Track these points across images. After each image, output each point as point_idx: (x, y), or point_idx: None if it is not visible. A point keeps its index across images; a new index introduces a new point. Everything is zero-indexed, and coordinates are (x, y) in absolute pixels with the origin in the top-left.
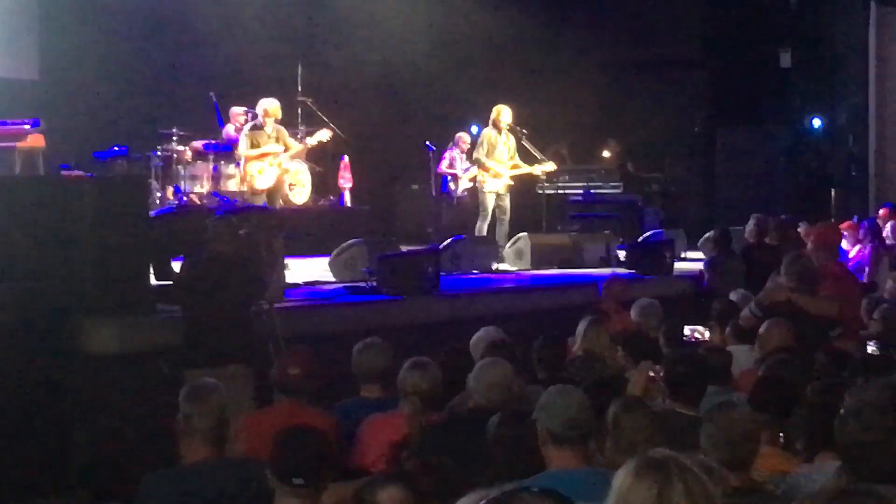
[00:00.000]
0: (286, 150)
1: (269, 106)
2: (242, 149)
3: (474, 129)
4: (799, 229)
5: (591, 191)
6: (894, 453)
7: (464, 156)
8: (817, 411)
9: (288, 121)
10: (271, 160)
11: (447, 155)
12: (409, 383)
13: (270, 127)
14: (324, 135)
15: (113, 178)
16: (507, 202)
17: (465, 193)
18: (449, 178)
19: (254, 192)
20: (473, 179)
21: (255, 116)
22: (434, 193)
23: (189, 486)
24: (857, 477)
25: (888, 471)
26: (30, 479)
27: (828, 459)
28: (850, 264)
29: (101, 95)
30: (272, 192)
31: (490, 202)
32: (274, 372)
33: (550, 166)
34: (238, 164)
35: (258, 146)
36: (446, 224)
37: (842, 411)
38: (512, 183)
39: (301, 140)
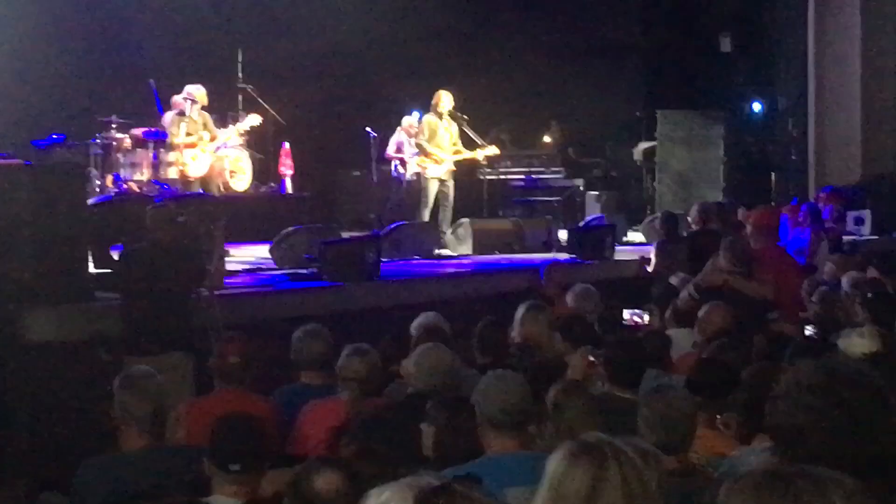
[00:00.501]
0: (212, 138)
1: (196, 92)
2: (177, 136)
3: (416, 114)
4: (738, 213)
5: (533, 176)
6: (824, 434)
7: (411, 140)
8: (753, 394)
9: (228, 107)
10: (203, 147)
11: (393, 140)
12: (348, 369)
13: (196, 113)
14: (254, 120)
15: (51, 166)
16: (450, 188)
17: (415, 177)
18: (397, 162)
19: (187, 180)
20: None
21: (194, 103)
22: (375, 180)
23: (126, 472)
24: (788, 458)
25: (818, 452)
26: None
27: (765, 441)
28: (789, 247)
29: (40, 83)
30: (206, 180)
31: (432, 188)
32: (213, 360)
33: (492, 150)
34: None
35: (189, 133)
36: (396, 208)
37: (773, 393)
38: (454, 168)
39: (227, 126)
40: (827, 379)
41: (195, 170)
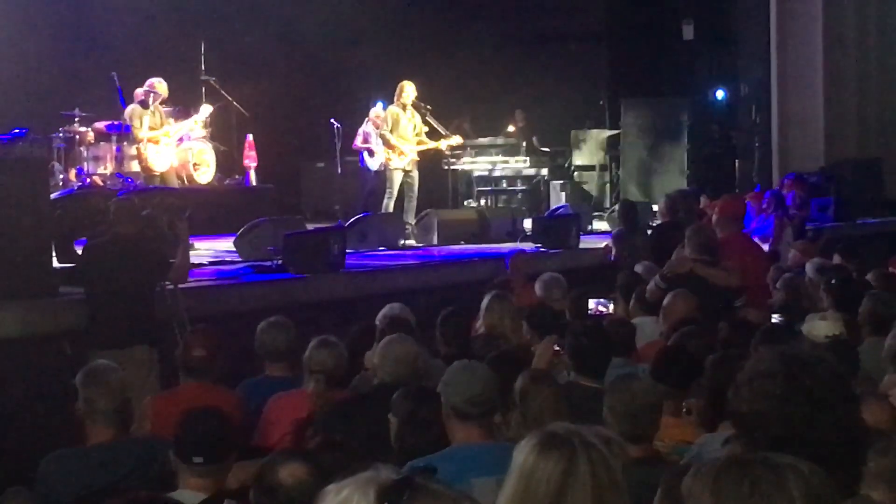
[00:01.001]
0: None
1: (158, 85)
2: (140, 130)
3: (380, 105)
4: (701, 201)
5: (497, 165)
6: (784, 421)
7: (378, 130)
8: (717, 381)
9: (191, 100)
10: (166, 140)
11: (361, 131)
12: (314, 361)
13: (152, 106)
14: (206, 110)
15: (13, 160)
16: (414, 178)
17: (383, 167)
18: (365, 153)
19: (151, 174)
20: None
21: (156, 97)
22: (340, 171)
23: (91, 466)
24: (750, 445)
25: (779, 438)
26: None
27: (729, 429)
28: (754, 234)
29: (1, 77)
30: (169, 173)
31: (397, 179)
32: (178, 353)
33: (456, 140)
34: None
35: (152, 127)
36: (369, 198)
37: (735, 381)
38: (418, 159)
39: (178, 119)
40: (787, 365)
41: (159, 163)
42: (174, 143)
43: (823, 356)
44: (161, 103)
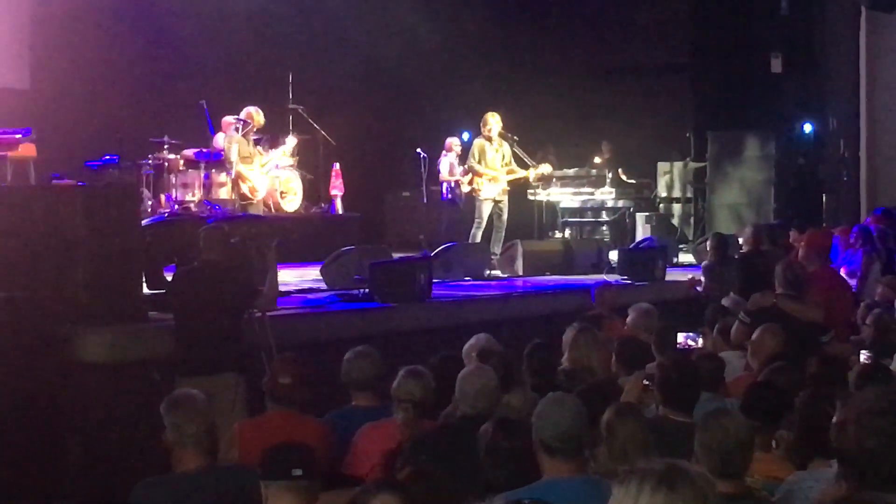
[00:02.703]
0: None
1: (256, 115)
2: (232, 157)
3: (465, 135)
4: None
5: (583, 197)
6: (894, 459)
7: (458, 159)
8: (809, 418)
9: (280, 129)
10: (258, 168)
11: (445, 161)
12: (403, 391)
13: (244, 134)
14: (291, 142)
15: (104, 186)
16: (503, 208)
17: (469, 198)
18: (452, 184)
19: (243, 200)
20: (472, 183)
21: (246, 125)
22: (425, 200)
23: (181, 493)
24: (858, 484)
25: (889, 477)
26: (22, 488)
27: (822, 466)
28: (842, 269)
29: (93, 104)
30: (256, 202)
31: (486, 209)
32: (265, 381)
33: (545, 168)
34: (229, 173)
35: (244, 155)
36: (450, 229)
37: (838, 418)
38: (508, 188)
39: (266, 148)
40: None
41: (253, 190)
42: (263, 173)
43: None
44: (254, 132)
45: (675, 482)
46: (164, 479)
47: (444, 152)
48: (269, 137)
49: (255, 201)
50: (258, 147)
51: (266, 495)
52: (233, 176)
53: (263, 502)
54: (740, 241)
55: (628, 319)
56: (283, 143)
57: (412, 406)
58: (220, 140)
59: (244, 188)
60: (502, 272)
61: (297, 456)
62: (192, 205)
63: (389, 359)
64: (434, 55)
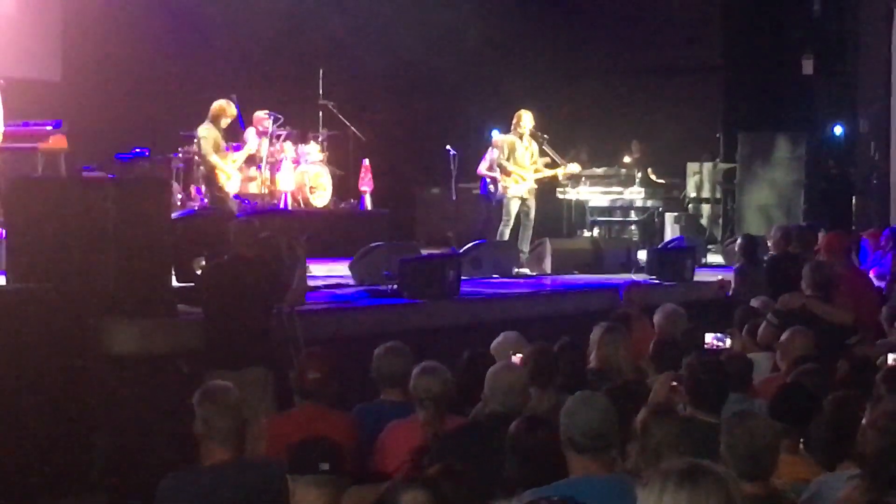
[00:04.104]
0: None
1: (226, 105)
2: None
3: (496, 133)
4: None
5: (612, 196)
6: None
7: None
8: (837, 420)
9: (309, 124)
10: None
11: (487, 157)
12: (420, 388)
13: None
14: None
15: (135, 179)
16: (531, 207)
17: (500, 195)
18: (489, 180)
19: (273, 194)
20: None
21: (276, 119)
22: (455, 197)
23: (208, 486)
24: (878, 486)
25: None
26: (50, 479)
27: (849, 468)
28: (871, 272)
29: (123, 97)
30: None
31: (514, 207)
32: (293, 375)
33: (574, 168)
34: (259, 167)
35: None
36: (487, 226)
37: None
38: (535, 187)
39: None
40: None
41: (281, 185)
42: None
43: None
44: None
45: (697, 480)
46: (191, 472)
47: (490, 148)
48: (297, 133)
49: (278, 195)
50: (287, 141)
51: (293, 490)
52: (205, 169)
53: (290, 497)
54: (769, 243)
55: (655, 320)
56: (245, 140)
57: (432, 403)
58: (250, 134)
59: (221, 179)
60: (531, 270)
61: (325, 450)
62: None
63: (417, 355)
64: (466, 52)
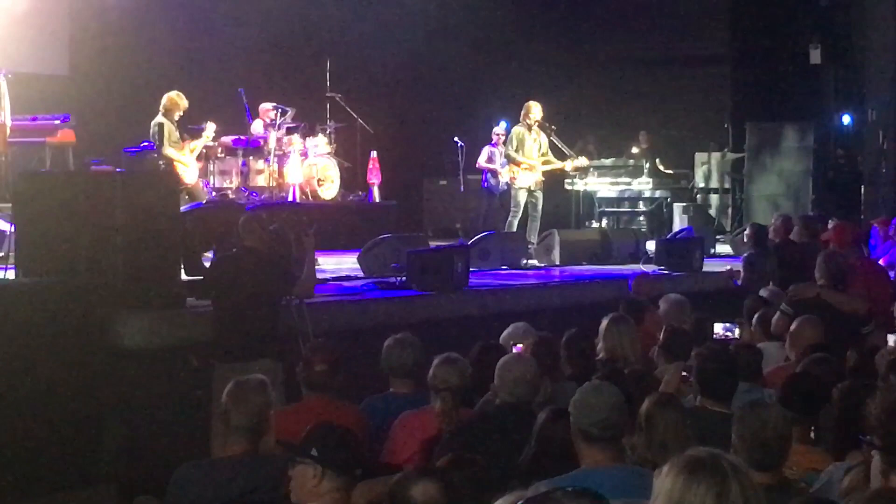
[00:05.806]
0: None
1: (177, 98)
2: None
3: (503, 124)
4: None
5: (620, 187)
6: None
7: (502, 150)
8: (847, 409)
9: (317, 116)
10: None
11: (486, 150)
12: (439, 379)
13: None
14: (210, 128)
15: (143, 172)
16: (538, 198)
17: (507, 187)
18: (489, 173)
19: (281, 187)
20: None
21: (283, 112)
22: (462, 189)
23: (221, 478)
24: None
25: None
26: (60, 471)
27: (859, 457)
28: (882, 260)
29: (131, 91)
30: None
31: (522, 198)
32: (299, 368)
33: (582, 161)
34: (267, 160)
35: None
36: (487, 218)
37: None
38: (543, 178)
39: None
40: None
41: (289, 177)
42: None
43: None
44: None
45: (714, 469)
46: (204, 464)
47: (492, 141)
48: (306, 125)
49: (287, 187)
50: (295, 134)
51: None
52: (164, 162)
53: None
54: (770, 231)
55: (660, 310)
56: (204, 128)
57: (449, 394)
58: (257, 127)
59: (179, 170)
60: (539, 261)
61: (337, 438)
62: (229, 192)
63: (426, 347)
64: (473, 44)
